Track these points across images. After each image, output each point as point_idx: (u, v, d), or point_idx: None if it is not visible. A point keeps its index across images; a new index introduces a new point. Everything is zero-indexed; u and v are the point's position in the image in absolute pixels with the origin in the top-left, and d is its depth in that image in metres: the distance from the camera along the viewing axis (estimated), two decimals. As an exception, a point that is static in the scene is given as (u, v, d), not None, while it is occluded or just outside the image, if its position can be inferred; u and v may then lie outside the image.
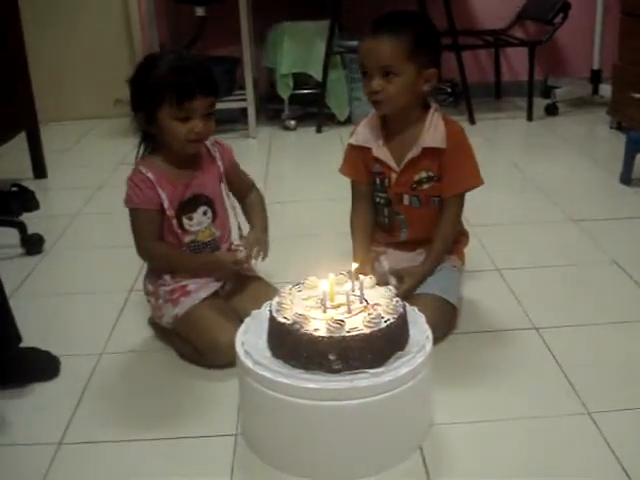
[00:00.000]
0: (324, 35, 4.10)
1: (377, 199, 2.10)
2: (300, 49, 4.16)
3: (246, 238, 2.03)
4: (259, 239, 2.02)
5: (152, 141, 1.96)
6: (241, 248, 2.00)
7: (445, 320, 1.97)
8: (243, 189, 2.11)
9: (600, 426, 1.61)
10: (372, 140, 2.04)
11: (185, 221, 1.95)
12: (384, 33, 1.88)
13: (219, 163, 2.02)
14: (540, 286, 2.29)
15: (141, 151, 2.00)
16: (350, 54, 4.20)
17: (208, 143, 2.02)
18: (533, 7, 4.47)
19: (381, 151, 2.03)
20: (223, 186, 2.04)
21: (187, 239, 1.96)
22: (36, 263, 2.63)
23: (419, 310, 1.68)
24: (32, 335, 1.91)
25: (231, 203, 2.08)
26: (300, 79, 4.30)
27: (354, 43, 4.11)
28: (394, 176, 2.03)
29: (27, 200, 3.14)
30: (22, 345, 1.85)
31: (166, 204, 1.90)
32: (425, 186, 2.02)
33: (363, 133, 2.07)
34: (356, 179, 2.12)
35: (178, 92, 1.81)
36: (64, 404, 1.79)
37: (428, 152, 1.98)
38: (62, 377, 1.91)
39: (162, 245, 1.96)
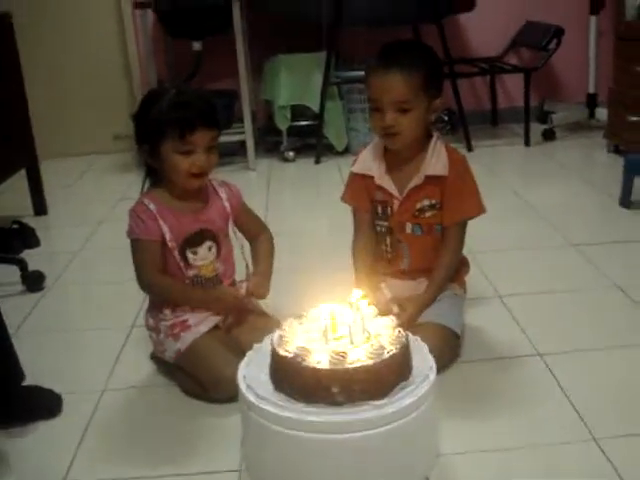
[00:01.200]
0: (320, 66, 4.13)
1: (378, 227, 2.10)
2: (297, 81, 4.19)
3: (249, 280, 2.03)
4: (259, 285, 2.01)
5: (156, 175, 1.98)
6: (243, 285, 2.00)
7: (448, 348, 1.97)
8: (252, 232, 2.11)
9: (607, 452, 1.60)
10: (375, 168, 2.05)
11: (190, 255, 1.95)
12: (396, 68, 1.89)
13: (226, 204, 2.02)
14: (542, 312, 2.28)
15: (146, 185, 2.01)
16: (347, 84, 4.24)
17: (215, 183, 2.03)
18: (527, 34, 4.52)
19: (384, 179, 2.03)
20: (230, 225, 2.04)
21: (190, 273, 1.96)
22: (37, 300, 2.62)
23: (422, 339, 1.67)
24: (34, 373, 1.90)
25: (240, 242, 2.09)
26: (298, 111, 4.32)
27: (351, 74, 4.17)
28: (396, 204, 2.04)
29: (28, 237, 3.14)
30: (25, 383, 1.84)
31: (168, 236, 1.91)
32: (427, 214, 2.03)
33: (365, 161, 2.08)
34: (358, 207, 2.12)
35: (180, 126, 1.83)
36: (67, 442, 1.78)
37: (431, 180, 1.99)
38: (65, 415, 1.90)
39: (163, 277, 1.96)
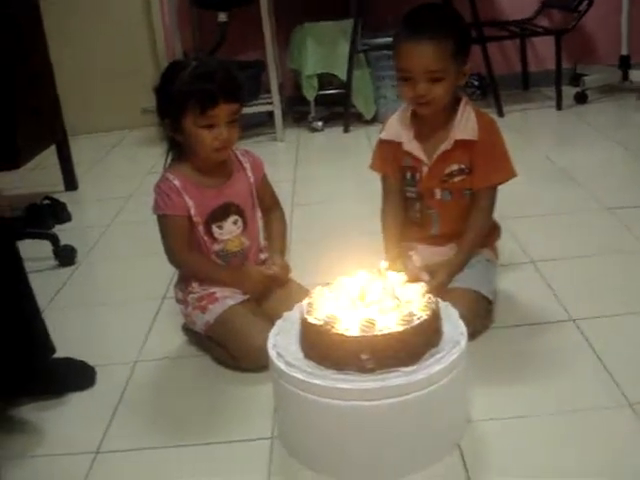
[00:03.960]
0: (347, 34, 4.08)
1: (408, 194, 2.08)
2: (324, 49, 4.15)
3: (273, 263, 2.02)
4: (284, 268, 2.01)
5: (179, 149, 1.96)
6: (274, 267, 1.99)
7: (481, 314, 1.95)
8: (268, 204, 2.09)
9: (643, 417, 1.58)
10: (403, 134, 2.02)
11: (215, 229, 1.94)
12: (427, 37, 1.84)
13: (249, 174, 2.01)
14: (576, 277, 2.25)
15: (169, 159, 2.00)
16: (374, 52, 4.18)
17: (238, 153, 2.02)
18: (558, -5, 4.42)
19: (412, 144, 2.01)
20: (254, 197, 2.03)
21: (216, 248, 1.96)
22: (69, 274, 2.65)
23: (453, 305, 1.66)
24: (67, 346, 1.92)
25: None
26: (325, 79, 4.28)
27: (378, 41, 4.11)
28: (425, 169, 2.01)
29: (59, 212, 3.17)
30: (57, 356, 1.86)
31: (193, 211, 1.90)
32: (456, 179, 2.00)
33: (393, 127, 2.05)
34: (386, 174, 2.10)
35: (201, 100, 1.80)
36: (100, 413, 1.80)
37: (460, 144, 1.96)
38: (98, 386, 1.92)
39: (193, 254, 1.95)
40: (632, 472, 1.44)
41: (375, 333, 1.42)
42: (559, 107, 4.22)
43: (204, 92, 1.81)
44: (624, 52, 4.41)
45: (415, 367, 1.43)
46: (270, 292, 2.02)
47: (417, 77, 1.88)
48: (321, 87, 4.26)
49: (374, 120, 4.26)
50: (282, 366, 1.50)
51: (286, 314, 1.68)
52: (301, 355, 1.51)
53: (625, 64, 4.40)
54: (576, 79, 4.46)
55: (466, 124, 1.96)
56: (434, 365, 1.45)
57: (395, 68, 1.95)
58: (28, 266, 1.82)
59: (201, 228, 1.92)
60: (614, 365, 1.77)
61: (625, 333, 1.91)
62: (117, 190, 3.57)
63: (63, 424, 1.77)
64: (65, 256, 2.73)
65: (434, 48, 1.85)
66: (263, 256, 2.06)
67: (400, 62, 1.91)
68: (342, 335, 1.43)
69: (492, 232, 2.12)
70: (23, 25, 3.26)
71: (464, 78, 1.95)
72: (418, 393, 1.43)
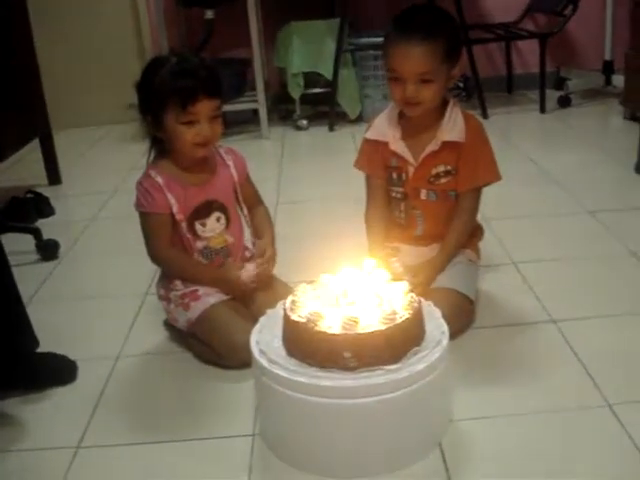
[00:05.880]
0: (333, 33, 4.09)
1: (393, 194, 2.09)
2: (310, 48, 4.15)
3: (261, 251, 2.02)
4: (271, 253, 2.02)
5: (161, 145, 1.96)
6: (250, 267, 1.98)
7: (462, 314, 1.96)
8: (251, 203, 2.08)
9: (621, 418, 1.59)
10: (389, 134, 2.03)
11: (198, 227, 1.94)
12: (418, 38, 1.85)
13: (233, 171, 2.01)
14: (557, 279, 2.27)
15: (151, 155, 1.99)
16: (360, 51, 4.19)
17: (221, 150, 2.02)
18: (543, -1, 4.45)
19: (398, 145, 2.02)
20: (237, 194, 2.03)
21: (199, 245, 1.96)
22: (52, 269, 2.64)
23: (435, 304, 1.67)
24: (49, 340, 1.91)
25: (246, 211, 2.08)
26: (311, 78, 4.29)
27: (364, 40, 4.12)
28: (411, 170, 2.02)
29: (42, 206, 3.16)
30: (39, 350, 1.85)
31: (175, 208, 1.90)
32: (442, 180, 2.01)
33: (379, 127, 2.06)
34: (371, 173, 2.10)
35: (181, 96, 1.80)
36: (82, 408, 1.80)
37: (447, 146, 1.97)
38: (79, 381, 1.91)
39: (173, 252, 1.95)
40: (612, 472, 1.46)
41: (358, 331, 1.43)
42: (543, 110, 4.25)
43: (185, 88, 1.81)
44: (607, 57, 4.46)
45: (398, 365, 1.44)
46: (255, 292, 2.01)
47: (407, 78, 1.88)
48: (307, 86, 4.26)
49: (359, 119, 4.27)
50: (265, 363, 1.51)
51: (269, 311, 1.68)
52: (284, 352, 1.52)
53: (608, 69, 4.44)
54: (560, 83, 4.50)
55: (454, 126, 1.97)
56: (417, 364, 1.46)
57: (385, 67, 1.96)
58: (10, 260, 1.81)
59: (184, 225, 1.92)
60: (594, 366, 1.78)
61: (605, 335, 1.93)
62: (101, 185, 3.56)
63: (44, 419, 1.77)
64: (48, 250, 2.72)
65: (425, 50, 1.85)
66: (248, 254, 2.07)
67: (390, 63, 1.92)
68: (325, 333, 1.44)
69: (474, 233, 2.14)
70: (8, 20, 3.25)
71: (453, 80, 1.97)
72: (400, 391, 1.44)
